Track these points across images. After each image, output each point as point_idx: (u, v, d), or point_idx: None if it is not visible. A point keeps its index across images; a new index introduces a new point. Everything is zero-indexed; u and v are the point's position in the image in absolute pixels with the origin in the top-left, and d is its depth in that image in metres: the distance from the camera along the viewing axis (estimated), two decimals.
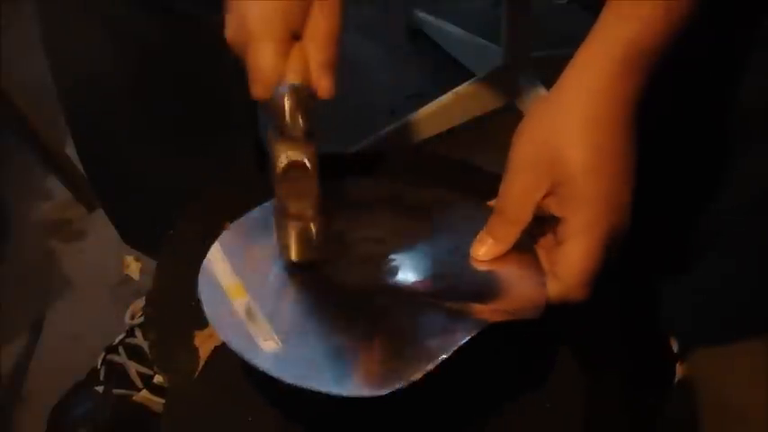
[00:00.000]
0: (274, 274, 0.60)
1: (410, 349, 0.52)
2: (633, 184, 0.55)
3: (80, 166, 0.92)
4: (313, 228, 0.60)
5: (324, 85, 0.58)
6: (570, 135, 0.54)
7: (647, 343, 0.67)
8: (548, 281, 0.56)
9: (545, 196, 0.55)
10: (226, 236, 0.61)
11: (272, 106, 0.57)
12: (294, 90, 0.56)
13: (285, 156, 0.57)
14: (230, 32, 0.59)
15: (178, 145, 0.83)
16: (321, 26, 0.57)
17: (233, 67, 0.82)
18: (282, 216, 0.60)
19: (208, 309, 0.56)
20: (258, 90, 0.57)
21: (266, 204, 0.63)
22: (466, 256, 0.59)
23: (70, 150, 1.15)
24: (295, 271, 0.60)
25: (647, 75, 0.54)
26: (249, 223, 0.63)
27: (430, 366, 0.50)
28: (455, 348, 0.51)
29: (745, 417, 0.94)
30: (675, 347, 0.84)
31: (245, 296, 0.56)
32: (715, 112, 0.68)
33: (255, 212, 0.64)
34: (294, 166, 0.57)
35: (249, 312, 0.55)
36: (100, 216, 1.08)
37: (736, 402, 0.95)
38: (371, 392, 0.50)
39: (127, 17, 0.74)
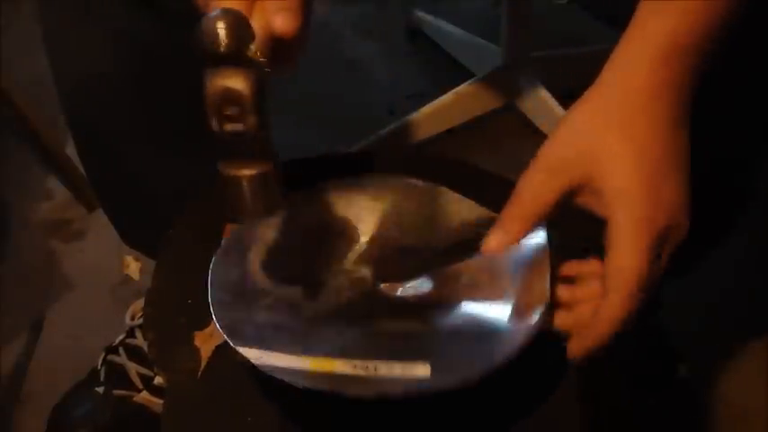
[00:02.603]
0: (270, 314, 0.57)
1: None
2: (685, 182, 0.53)
3: (80, 166, 0.92)
4: (261, 179, 0.53)
5: (279, 22, 0.52)
6: (606, 134, 0.52)
7: (647, 343, 0.67)
8: (605, 297, 0.52)
9: (583, 195, 0.54)
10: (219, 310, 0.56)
11: (204, 34, 0.48)
12: (226, 12, 0.48)
13: (217, 84, 0.49)
14: None
15: (178, 145, 0.83)
16: None
17: None
18: (224, 169, 0.53)
19: (302, 382, 0.51)
20: None
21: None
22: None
23: (70, 150, 1.15)
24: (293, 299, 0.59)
25: (692, 73, 0.53)
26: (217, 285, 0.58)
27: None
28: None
29: (745, 417, 0.95)
30: (675, 347, 0.84)
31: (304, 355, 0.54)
32: (722, 113, 0.68)
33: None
34: (228, 95, 0.49)
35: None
36: (100, 216, 1.08)
37: (736, 402, 0.95)
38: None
39: (126, 17, 0.74)
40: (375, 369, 0.52)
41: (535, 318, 0.53)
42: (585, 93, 0.55)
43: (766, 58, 0.64)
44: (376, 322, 0.58)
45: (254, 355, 0.52)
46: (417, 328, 0.57)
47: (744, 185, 0.75)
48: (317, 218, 0.64)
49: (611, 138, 0.52)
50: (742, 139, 0.71)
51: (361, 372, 0.52)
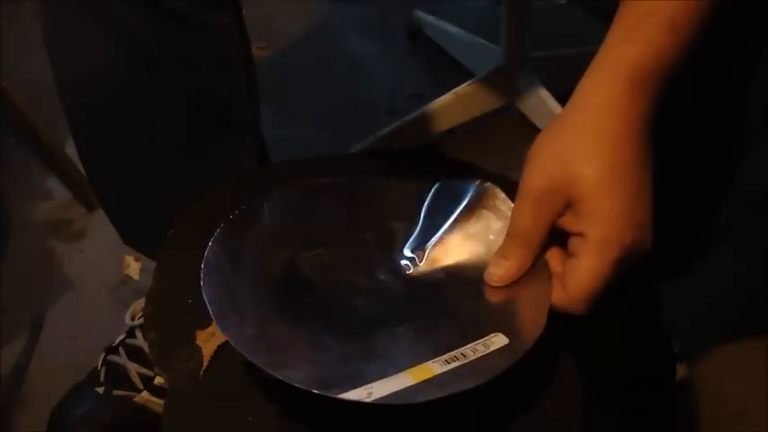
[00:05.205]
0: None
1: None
2: (651, 201, 0.54)
3: (80, 166, 0.92)
4: None
5: None
6: (583, 154, 0.54)
7: (647, 343, 0.67)
8: (554, 287, 0.56)
9: (561, 215, 0.55)
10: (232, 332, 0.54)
11: None
12: None
13: None
14: None
15: (178, 145, 0.83)
16: None
17: (234, 67, 0.83)
18: None
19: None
20: None
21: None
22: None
23: (70, 150, 1.15)
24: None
25: (659, 91, 0.54)
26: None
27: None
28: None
29: (744, 417, 0.95)
30: (675, 347, 0.84)
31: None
32: (720, 113, 0.68)
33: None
34: None
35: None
36: (100, 216, 1.08)
37: (736, 402, 0.95)
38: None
39: (128, 17, 0.74)
40: (464, 356, 0.53)
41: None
42: (558, 116, 0.56)
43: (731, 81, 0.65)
44: (396, 316, 0.58)
45: (360, 395, 0.51)
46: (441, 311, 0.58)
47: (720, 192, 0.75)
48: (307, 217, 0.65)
49: (586, 161, 0.53)
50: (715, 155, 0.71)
51: (456, 364, 0.52)
